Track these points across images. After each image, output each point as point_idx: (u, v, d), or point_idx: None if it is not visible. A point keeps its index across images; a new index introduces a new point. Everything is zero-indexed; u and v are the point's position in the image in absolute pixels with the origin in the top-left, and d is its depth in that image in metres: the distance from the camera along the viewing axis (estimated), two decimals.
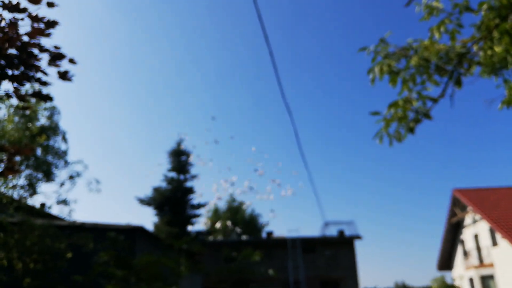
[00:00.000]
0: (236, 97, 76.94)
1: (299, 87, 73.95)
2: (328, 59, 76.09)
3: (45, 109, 12.52)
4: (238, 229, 36.44)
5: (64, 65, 2.70)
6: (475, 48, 3.92)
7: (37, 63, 2.69)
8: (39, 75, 2.70)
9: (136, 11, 74.26)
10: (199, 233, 24.73)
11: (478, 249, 26.13)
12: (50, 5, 2.70)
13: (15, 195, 9.98)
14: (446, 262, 30.64)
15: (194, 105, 74.09)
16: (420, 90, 3.89)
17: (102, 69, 73.80)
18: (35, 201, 10.83)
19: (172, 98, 75.71)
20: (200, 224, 68.42)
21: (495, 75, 4.20)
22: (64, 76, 2.69)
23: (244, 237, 35.53)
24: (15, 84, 2.65)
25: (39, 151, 13.35)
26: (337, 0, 71.49)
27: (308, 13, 74.59)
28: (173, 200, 23.92)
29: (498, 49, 3.87)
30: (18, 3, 2.73)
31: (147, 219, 59.06)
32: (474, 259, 26.31)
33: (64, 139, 14.91)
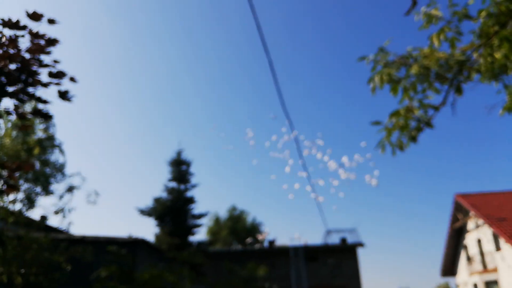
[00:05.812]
0: (234, 105, 77.13)
1: (300, 89, 74.16)
2: (330, 65, 76.44)
3: (41, 122, 12.54)
4: (239, 238, 36.22)
5: (65, 83, 2.69)
6: (475, 55, 3.92)
7: (37, 77, 2.67)
8: (39, 91, 2.66)
9: (134, 16, 74.73)
10: (200, 243, 24.53)
11: (482, 254, 25.89)
12: (51, 22, 2.69)
13: (14, 209, 9.93)
14: (449, 268, 30.36)
15: (192, 113, 74.19)
16: (421, 98, 3.88)
17: (101, 77, 74.01)
18: (34, 214, 10.80)
19: (170, 107, 75.85)
20: (201, 234, 67.82)
21: (495, 81, 4.20)
22: (64, 95, 2.66)
23: (246, 245, 35.28)
24: (16, 102, 2.61)
25: (37, 165, 13.32)
26: (331, 10, 72.06)
27: (305, 22, 75.16)
28: (174, 210, 23.77)
29: (498, 55, 3.88)
30: (18, 21, 2.71)
31: (148, 229, 58.73)
32: (477, 265, 26.06)
33: (61, 151, 14.90)
